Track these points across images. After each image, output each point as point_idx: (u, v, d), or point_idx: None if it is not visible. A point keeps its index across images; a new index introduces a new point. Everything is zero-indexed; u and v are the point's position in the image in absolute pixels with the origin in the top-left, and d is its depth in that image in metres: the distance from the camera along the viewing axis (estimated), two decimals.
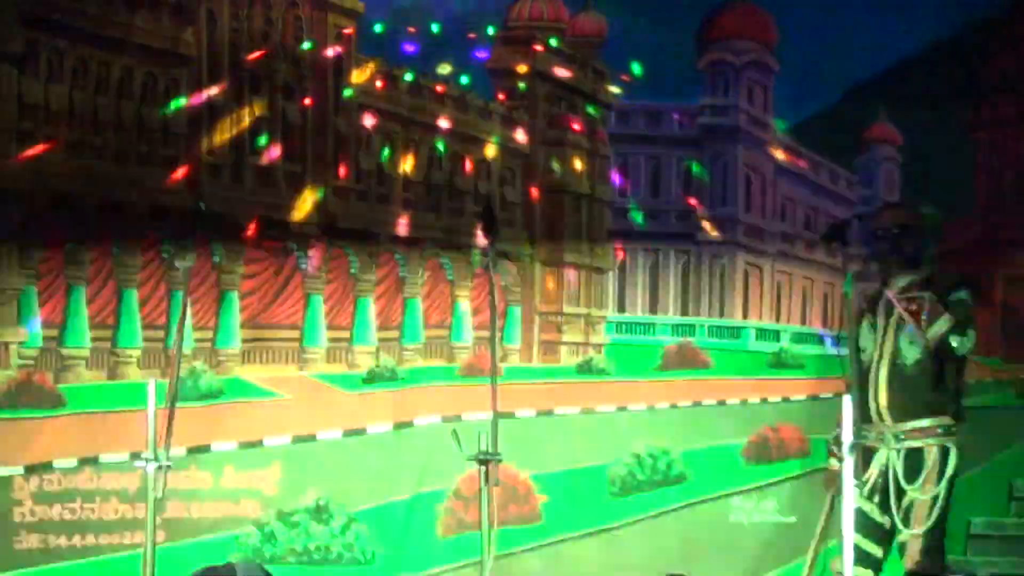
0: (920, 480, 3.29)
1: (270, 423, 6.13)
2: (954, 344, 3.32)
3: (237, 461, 5.93)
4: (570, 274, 6.95)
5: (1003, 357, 6.85)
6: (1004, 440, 6.24)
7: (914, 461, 3.31)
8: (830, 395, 5.69)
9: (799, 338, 7.70)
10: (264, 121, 6.48)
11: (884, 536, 3.42)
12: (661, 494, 6.42)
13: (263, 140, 6.47)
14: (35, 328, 5.72)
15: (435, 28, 6.82)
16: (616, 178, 7.43)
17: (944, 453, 3.33)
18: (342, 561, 5.89)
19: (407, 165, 6.85)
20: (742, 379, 7.05)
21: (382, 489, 6.06)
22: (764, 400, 6.94)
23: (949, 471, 3.28)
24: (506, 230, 7.14)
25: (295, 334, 6.42)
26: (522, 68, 7.15)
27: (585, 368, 6.93)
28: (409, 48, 6.81)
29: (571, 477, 6.38)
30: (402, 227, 6.81)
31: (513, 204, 7.12)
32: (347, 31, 6.74)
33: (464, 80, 7.07)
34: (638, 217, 7.46)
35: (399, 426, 6.23)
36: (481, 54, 7.09)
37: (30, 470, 5.53)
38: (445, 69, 7.05)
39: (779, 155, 8.18)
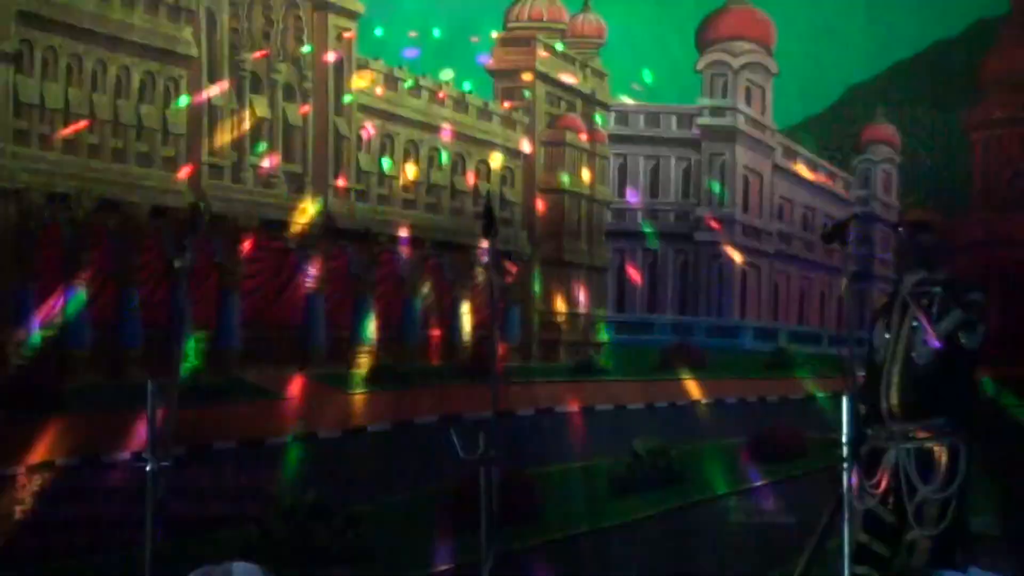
0: (935, 481, 3.28)
1: (270, 423, 6.13)
2: (963, 339, 3.32)
3: (237, 461, 5.92)
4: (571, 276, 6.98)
5: (1001, 356, 6.87)
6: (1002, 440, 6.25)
7: (925, 461, 3.31)
8: (828, 394, 5.72)
9: (797, 338, 7.72)
10: (264, 122, 6.49)
11: (893, 535, 3.42)
12: (661, 494, 6.43)
13: (263, 141, 6.48)
14: (35, 328, 5.72)
15: (435, 30, 6.84)
16: (630, 194, 7.46)
17: (954, 452, 3.33)
18: (342, 560, 5.88)
19: (407, 166, 6.87)
20: (740, 379, 7.06)
21: (382, 489, 6.06)
22: (762, 399, 6.95)
23: (961, 471, 3.27)
24: (506, 230, 7.15)
25: (295, 334, 6.43)
26: (522, 69, 7.17)
27: (585, 368, 6.94)
28: (409, 50, 6.83)
29: (571, 476, 6.38)
30: (402, 227, 6.82)
31: (513, 204, 7.13)
32: (348, 33, 6.75)
33: (464, 81, 7.08)
34: (649, 231, 7.48)
35: (399, 426, 6.24)
36: (481, 56, 7.11)
37: (31, 469, 5.53)
38: (445, 70, 7.06)
39: (777, 155, 8.22)
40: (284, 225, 6.51)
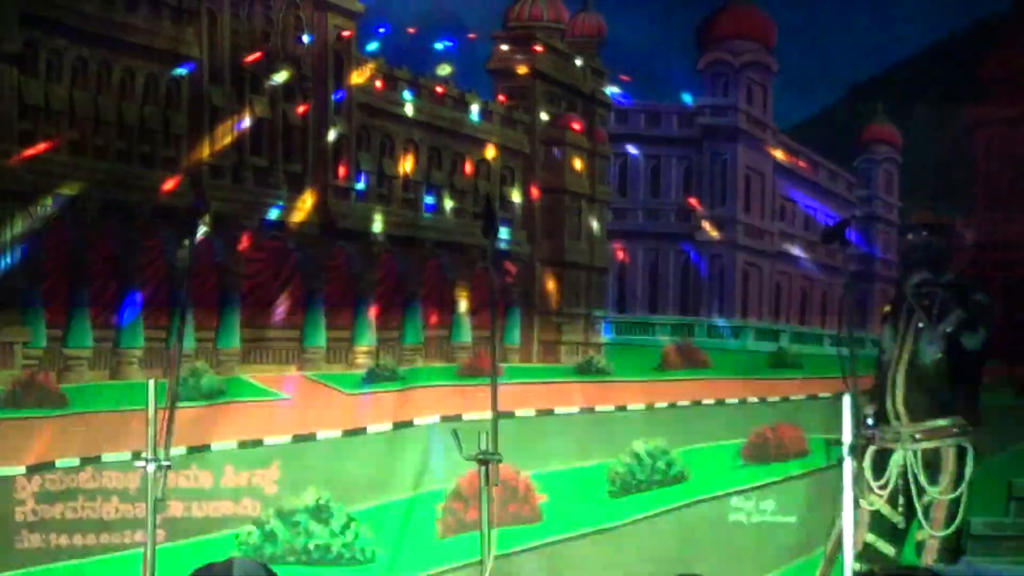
0: (943, 482, 3.28)
1: (270, 423, 6.13)
2: (964, 341, 3.32)
3: (237, 461, 5.93)
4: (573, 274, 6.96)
5: (1002, 356, 6.86)
6: (1003, 440, 6.25)
7: (932, 462, 3.30)
8: (829, 395, 5.71)
9: (798, 338, 7.70)
10: (264, 121, 6.49)
11: (899, 536, 3.42)
12: (661, 494, 6.42)
13: (263, 140, 6.48)
14: (39, 328, 5.73)
15: (435, 29, 6.83)
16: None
17: (961, 453, 3.32)
18: (342, 561, 5.89)
19: (407, 165, 6.86)
20: (741, 379, 7.06)
21: (382, 489, 6.06)
22: (763, 400, 6.94)
23: (968, 472, 3.28)
24: (506, 230, 7.14)
25: (295, 334, 6.43)
26: (522, 68, 7.15)
27: (585, 368, 6.93)
28: (409, 49, 6.82)
29: (571, 477, 6.38)
30: (402, 227, 6.82)
31: (513, 204, 7.12)
32: (347, 32, 6.75)
33: (464, 80, 7.07)
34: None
35: (399, 426, 6.24)
36: (481, 54, 7.10)
37: (32, 469, 5.54)
38: (445, 69, 7.05)
39: (778, 155, 8.19)
40: (284, 225, 6.51)
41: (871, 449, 3.51)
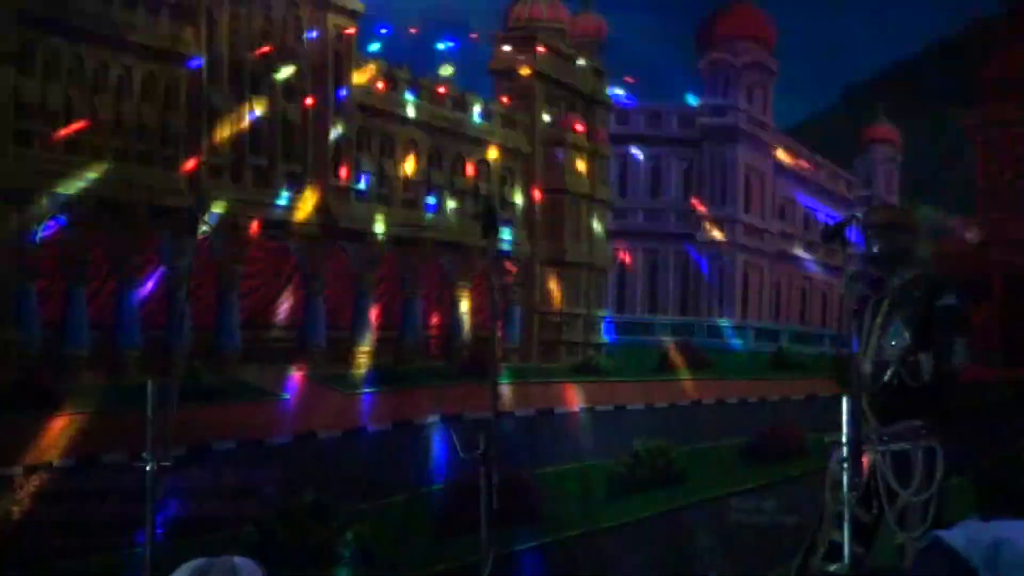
0: (913, 484, 3.27)
1: (270, 423, 6.12)
2: (954, 359, 3.31)
3: (237, 461, 5.92)
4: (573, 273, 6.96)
5: (1002, 356, 6.86)
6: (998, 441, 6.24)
7: (901, 463, 3.29)
8: (828, 395, 5.71)
9: (798, 338, 7.70)
10: (264, 121, 6.48)
11: (868, 535, 3.41)
12: (661, 494, 6.42)
13: (263, 140, 6.47)
14: (35, 328, 5.71)
15: (436, 29, 6.83)
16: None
17: (930, 454, 3.31)
18: (341, 561, 5.87)
19: (408, 165, 6.86)
20: (741, 379, 7.05)
21: (382, 489, 6.05)
22: (763, 400, 6.94)
23: (939, 472, 3.26)
24: (506, 230, 7.14)
25: (295, 334, 6.42)
26: (523, 69, 7.15)
27: (585, 368, 6.93)
28: (410, 49, 6.82)
29: (571, 477, 6.38)
30: (402, 227, 6.81)
31: (513, 204, 7.13)
32: (347, 32, 6.74)
33: (464, 80, 7.07)
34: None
35: (399, 426, 6.23)
36: (482, 55, 7.11)
37: (30, 469, 5.52)
38: (446, 70, 7.05)
39: (778, 155, 8.21)
40: (284, 225, 6.50)
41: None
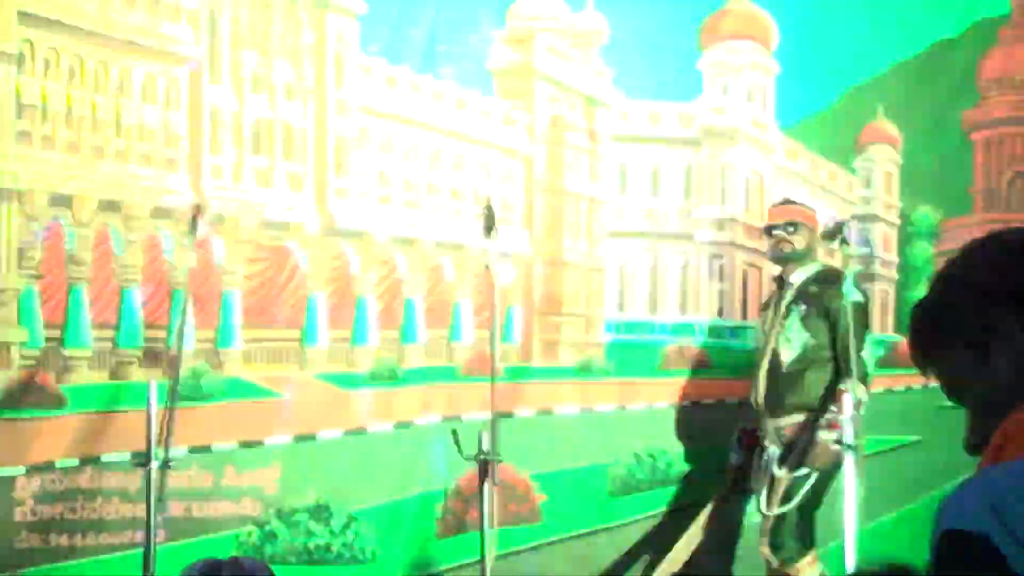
0: (787, 464, 3.23)
1: (270, 423, 6.13)
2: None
3: (237, 461, 5.93)
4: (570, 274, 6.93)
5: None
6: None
7: (786, 454, 3.25)
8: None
9: None
10: (264, 121, 6.49)
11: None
12: (661, 494, 6.42)
13: (264, 140, 6.48)
14: (36, 328, 5.72)
15: (435, 28, 6.83)
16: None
17: (813, 447, 3.26)
18: (342, 561, 5.88)
19: (407, 165, 6.85)
20: (741, 379, 7.04)
21: (382, 489, 6.05)
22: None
23: (818, 463, 3.20)
24: (506, 230, 7.13)
25: (295, 334, 6.43)
26: (522, 68, 7.15)
27: (585, 368, 6.93)
28: (410, 49, 6.81)
29: (571, 477, 6.38)
30: (402, 227, 6.81)
31: (513, 204, 7.12)
32: (348, 32, 6.74)
33: (464, 80, 7.07)
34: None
35: (399, 426, 6.24)
36: (481, 54, 7.10)
37: (31, 470, 5.53)
38: (445, 69, 7.05)
39: (779, 155, 8.19)
40: (284, 225, 6.51)
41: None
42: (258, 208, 6.36)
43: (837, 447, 3.27)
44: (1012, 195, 7.46)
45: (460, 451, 3.47)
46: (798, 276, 3.31)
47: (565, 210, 7.26)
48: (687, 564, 5.41)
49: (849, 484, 3.09)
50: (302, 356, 6.34)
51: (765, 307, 3.42)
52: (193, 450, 5.71)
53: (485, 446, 3.52)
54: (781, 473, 3.19)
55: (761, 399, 3.29)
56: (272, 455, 5.94)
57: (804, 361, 3.26)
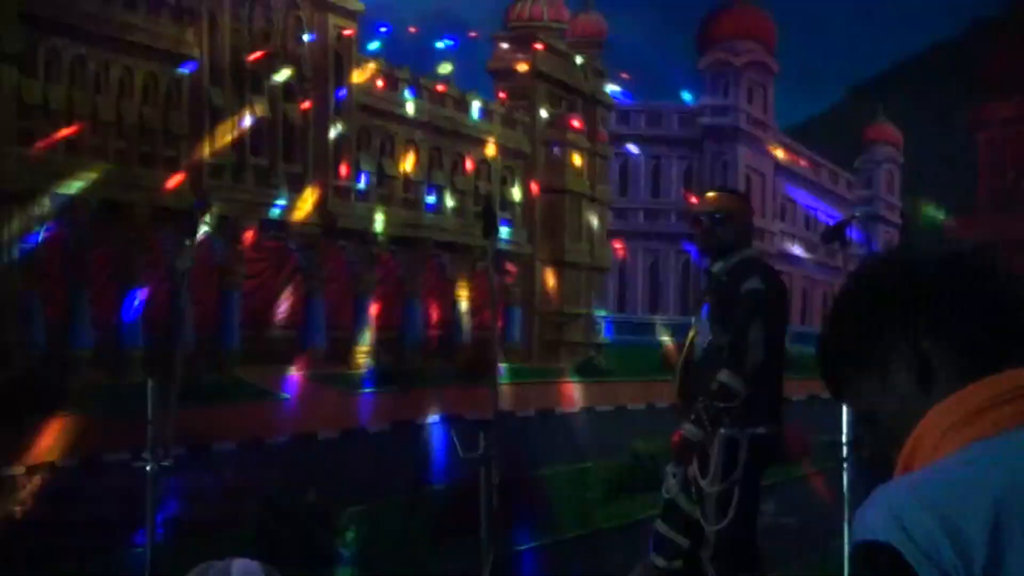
0: (709, 474, 3.17)
1: (270, 423, 6.12)
2: (731, 335, 3.22)
3: (237, 461, 5.92)
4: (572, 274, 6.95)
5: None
6: None
7: (705, 454, 3.19)
8: (829, 395, 5.67)
9: (799, 338, 7.69)
10: (264, 121, 6.49)
11: (692, 527, 3.30)
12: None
13: (263, 140, 6.48)
14: (37, 328, 5.72)
15: (436, 28, 6.83)
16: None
17: (731, 445, 3.19)
18: (341, 561, 5.87)
19: (407, 165, 6.86)
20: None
21: (382, 489, 6.05)
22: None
23: (740, 465, 3.13)
24: (506, 230, 7.14)
25: (295, 334, 6.42)
26: (523, 68, 7.15)
27: (585, 368, 6.92)
28: (410, 49, 6.82)
29: (571, 477, 6.37)
30: (402, 227, 6.82)
31: (513, 204, 7.13)
32: (347, 32, 6.74)
33: (464, 80, 7.07)
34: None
35: (399, 426, 6.24)
36: (482, 54, 7.10)
37: (31, 469, 5.53)
38: (446, 69, 7.05)
39: (779, 155, 8.21)
40: (284, 225, 6.51)
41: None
42: (258, 208, 6.36)
43: (693, 436, 3.23)
44: (1016, 194, 7.46)
45: (460, 451, 3.47)
46: (718, 267, 3.27)
47: (565, 210, 7.27)
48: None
49: (849, 484, 3.08)
50: (302, 356, 6.34)
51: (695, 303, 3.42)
52: (193, 450, 5.71)
53: (485, 446, 3.52)
54: (707, 487, 3.13)
55: (677, 396, 3.26)
56: (272, 455, 5.94)
57: (710, 354, 3.21)
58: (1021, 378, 0.79)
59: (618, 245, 7.59)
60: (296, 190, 6.60)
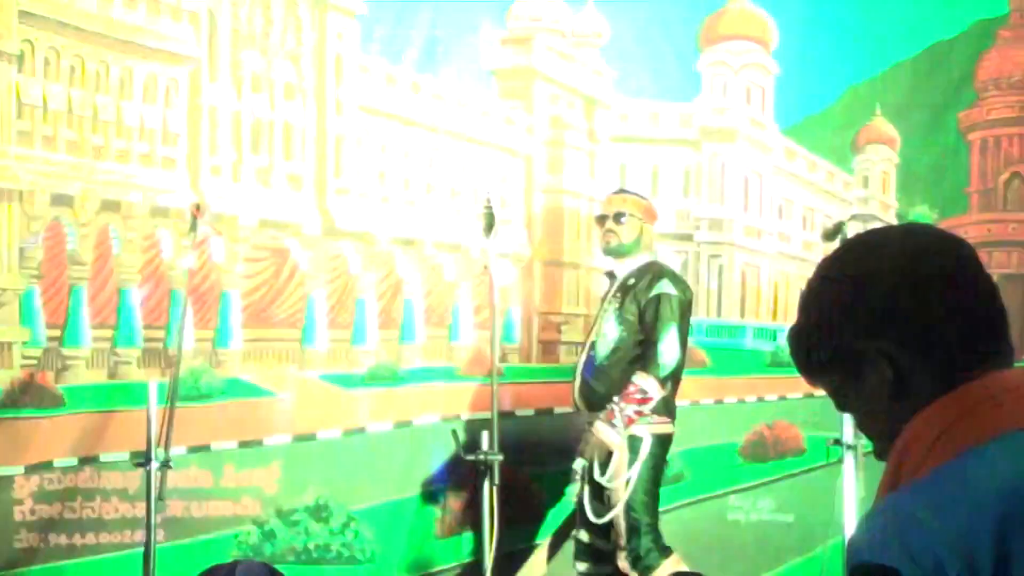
0: (610, 471, 3.19)
1: (270, 423, 6.13)
2: (639, 338, 3.21)
3: (237, 461, 5.93)
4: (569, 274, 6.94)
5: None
6: None
7: (605, 453, 3.21)
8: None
9: None
10: (266, 122, 6.49)
11: (607, 531, 3.31)
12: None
13: (264, 140, 6.48)
14: (37, 328, 5.73)
15: (435, 28, 6.84)
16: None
17: (633, 443, 3.21)
18: (342, 560, 5.89)
19: (407, 165, 6.86)
20: (740, 378, 7.07)
21: (382, 489, 6.06)
22: (761, 399, 6.95)
23: (640, 458, 3.15)
24: (506, 230, 7.15)
25: (295, 334, 6.44)
26: (522, 68, 7.16)
27: None
28: (410, 49, 6.82)
29: (571, 477, 6.38)
30: (402, 227, 6.82)
31: (513, 204, 7.14)
32: (348, 32, 6.75)
33: (465, 81, 7.08)
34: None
35: (399, 426, 6.25)
36: (481, 54, 7.11)
37: (30, 469, 5.53)
38: (445, 69, 7.06)
39: (777, 156, 8.21)
40: (284, 225, 6.51)
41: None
42: (258, 208, 6.36)
43: (607, 437, 3.24)
44: (1008, 195, 7.48)
45: (460, 451, 3.47)
46: (622, 269, 3.28)
47: (565, 210, 7.27)
48: None
49: (848, 484, 3.10)
50: (302, 356, 6.34)
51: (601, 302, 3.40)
52: (193, 450, 5.72)
53: (485, 446, 3.52)
54: (603, 479, 3.14)
55: (577, 397, 3.28)
56: (272, 455, 5.95)
57: (616, 355, 3.23)
58: (1005, 380, 0.79)
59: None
60: (296, 190, 6.61)
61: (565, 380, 6.91)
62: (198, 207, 5.48)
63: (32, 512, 5.47)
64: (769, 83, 7.59)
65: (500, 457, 3.58)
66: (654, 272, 3.27)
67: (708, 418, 6.76)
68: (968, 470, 0.78)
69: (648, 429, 3.31)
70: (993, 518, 0.76)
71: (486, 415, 3.76)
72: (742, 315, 7.58)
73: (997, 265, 7.28)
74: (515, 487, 5.99)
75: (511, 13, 7.32)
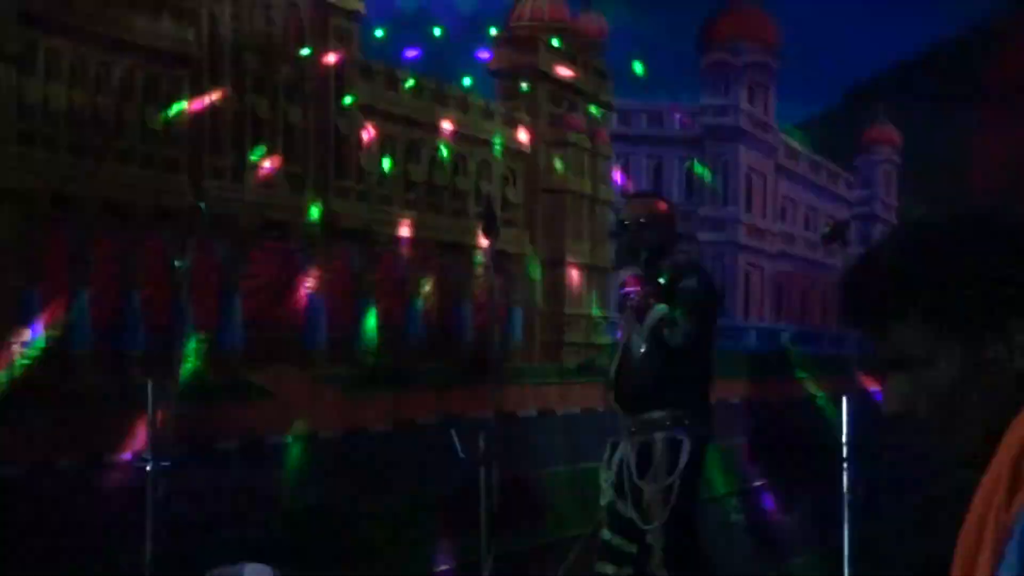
0: (653, 476, 3.19)
1: (270, 423, 6.14)
2: (666, 337, 3.23)
3: (237, 460, 5.94)
4: (572, 273, 6.94)
5: None
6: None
7: (645, 455, 3.21)
8: (828, 394, 5.70)
9: (799, 338, 7.69)
10: (266, 122, 6.50)
11: (636, 532, 3.30)
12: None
13: (265, 141, 6.49)
14: (39, 329, 5.74)
15: (437, 30, 6.84)
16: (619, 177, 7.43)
17: (673, 446, 3.22)
18: (341, 560, 5.88)
19: (409, 166, 6.86)
20: (741, 379, 7.05)
21: (382, 489, 6.06)
22: (763, 400, 6.93)
23: (681, 463, 3.16)
24: (507, 230, 7.14)
25: (295, 334, 6.44)
26: (524, 69, 7.15)
27: (586, 368, 6.93)
28: (411, 50, 6.83)
29: (571, 477, 6.37)
30: (402, 227, 6.83)
31: (514, 204, 7.13)
32: (348, 33, 6.74)
33: (466, 81, 7.08)
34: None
35: (399, 426, 6.24)
36: (483, 55, 7.11)
37: (31, 470, 5.54)
38: (447, 69, 7.05)
39: (779, 156, 8.21)
40: (285, 226, 6.51)
41: (608, 443, 3.49)
42: (258, 208, 6.36)
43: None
44: (1009, 194, 7.47)
45: (460, 451, 3.46)
46: (651, 273, 3.29)
47: (565, 210, 7.26)
48: None
49: (847, 483, 3.08)
50: (302, 356, 6.34)
51: (621, 306, 3.38)
52: (193, 450, 5.71)
53: (485, 446, 3.51)
54: (647, 487, 3.13)
55: (615, 399, 3.27)
56: (272, 455, 5.94)
57: (654, 355, 3.23)
58: None
59: None
60: (296, 190, 6.62)
61: (566, 381, 6.90)
62: (199, 208, 5.49)
63: (33, 513, 5.46)
64: (772, 83, 7.58)
65: (500, 457, 3.57)
66: (680, 268, 3.29)
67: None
68: None
69: (688, 432, 3.32)
70: None
71: (486, 415, 3.74)
72: (745, 315, 7.57)
73: None
74: (515, 487, 5.97)
75: (512, 15, 7.32)
